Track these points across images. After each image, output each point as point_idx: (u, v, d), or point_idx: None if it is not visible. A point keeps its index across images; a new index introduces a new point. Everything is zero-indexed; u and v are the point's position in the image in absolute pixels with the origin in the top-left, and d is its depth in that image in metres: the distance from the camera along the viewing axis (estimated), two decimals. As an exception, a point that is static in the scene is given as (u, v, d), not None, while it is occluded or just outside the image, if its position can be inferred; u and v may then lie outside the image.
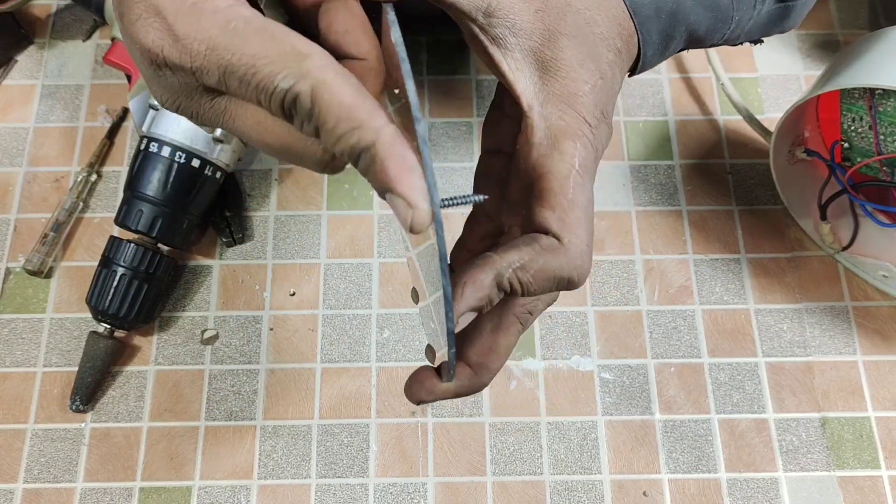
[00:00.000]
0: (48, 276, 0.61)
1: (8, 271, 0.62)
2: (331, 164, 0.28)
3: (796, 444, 0.57)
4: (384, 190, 0.25)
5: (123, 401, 0.58)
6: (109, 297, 0.55)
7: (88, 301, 0.56)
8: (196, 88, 0.27)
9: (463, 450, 0.56)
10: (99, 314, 0.56)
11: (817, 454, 0.56)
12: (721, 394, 0.58)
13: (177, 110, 0.29)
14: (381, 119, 0.25)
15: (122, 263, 0.56)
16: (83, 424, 0.57)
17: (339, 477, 0.56)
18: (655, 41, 0.37)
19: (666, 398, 0.58)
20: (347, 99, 0.25)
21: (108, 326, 0.57)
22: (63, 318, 0.60)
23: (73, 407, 0.56)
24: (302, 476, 0.56)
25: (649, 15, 0.36)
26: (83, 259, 0.62)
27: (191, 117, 0.29)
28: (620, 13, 0.35)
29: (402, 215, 0.25)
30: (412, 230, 0.25)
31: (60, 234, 0.62)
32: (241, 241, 0.62)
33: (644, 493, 0.55)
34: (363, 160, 0.25)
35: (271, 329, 0.60)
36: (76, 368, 0.57)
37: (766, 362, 0.59)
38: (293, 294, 0.61)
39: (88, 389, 0.57)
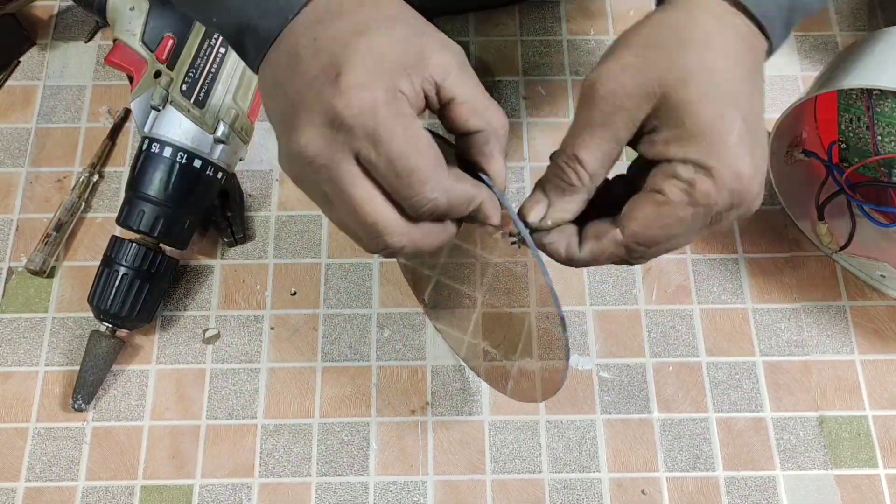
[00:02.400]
0: (50, 275, 0.62)
1: (10, 271, 0.62)
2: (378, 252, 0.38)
3: (794, 442, 0.57)
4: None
5: (125, 400, 0.58)
6: (111, 297, 0.56)
7: (90, 300, 0.57)
8: (346, 151, 0.34)
9: (462, 448, 0.57)
10: (101, 313, 0.57)
11: (815, 453, 0.57)
12: (719, 392, 0.58)
13: (312, 160, 0.35)
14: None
15: (124, 263, 0.56)
16: (85, 423, 0.57)
17: (339, 475, 0.56)
18: (780, 32, 0.40)
19: (664, 397, 0.58)
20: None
21: (110, 326, 0.57)
22: (65, 318, 0.60)
23: (75, 406, 0.57)
24: (303, 474, 0.56)
25: (772, 15, 0.39)
26: (85, 259, 0.62)
27: (310, 170, 0.35)
28: (744, 30, 0.38)
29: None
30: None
31: (62, 233, 0.62)
32: (243, 241, 0.63)
33: (642, 492, 0.56)
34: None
35: (272, 328, 0.60)
36: (78, 367, 0.57)
37: (763, 361, 0.59)
38: (294, 293, 0.61)
39: (90, 388, 0.57)
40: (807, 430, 0.57)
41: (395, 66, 0.34)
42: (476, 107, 0.36)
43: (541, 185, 0.40)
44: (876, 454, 0.57)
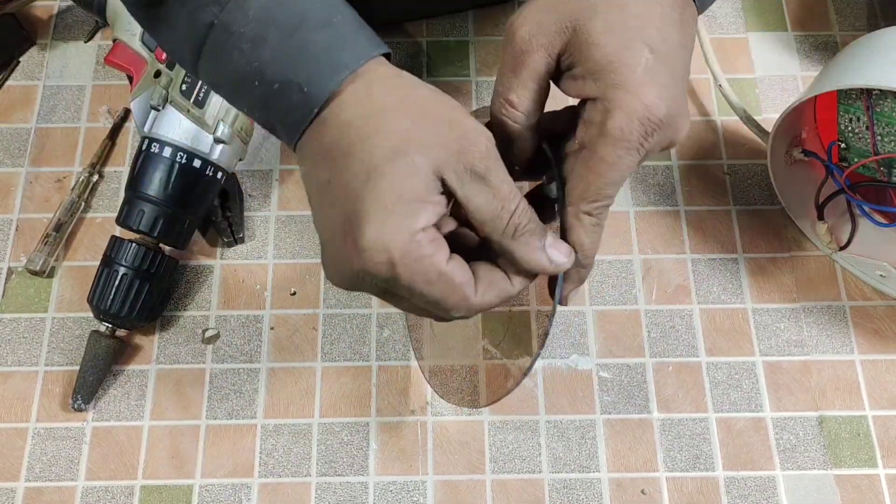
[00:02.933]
0: (50, 275, 0.62)
1: (10, 271, 0.62)
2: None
3: (794, 442, 0.57)
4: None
5: (125, 400, 0.58)
6: (111, 297, 0.56)
7: (90, 300, 0.57)
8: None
9: (462, 448, 0.57)
10: (100, 313, 0.57)
11: (814, 452, 0.57)
12: (719, 392, 0.58)
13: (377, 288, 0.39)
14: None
15: (124, 263, 0.56)
16: (84, 423, 0.57)
17: (339, 475, 0.56)
18: None
19: (664, 397, 0.58)
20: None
21: (110, 326, 0.57)
22: (65, 318, 0.60)
23: (75, 406, 0.57)
24: (302, 474, 0.56)
25: None
26: (85, 259, 0.62)
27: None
28: None
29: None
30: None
31: (62, 233, 0.62)
32: (242, 241, 0.63)
33: (642, 492, 0.56)
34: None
35: (272, 328, 0.60)
36: (78, 367, 0.57)
37: (763, 361, 0.59)
38: (294, 293, 0.61)
39: (90, 388, 0.57)
40: (807, 430, 0.57)
41: (410, 205, 0.36)
42: (484, 218, 0.37)
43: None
44: (876, 454, 0.57)
